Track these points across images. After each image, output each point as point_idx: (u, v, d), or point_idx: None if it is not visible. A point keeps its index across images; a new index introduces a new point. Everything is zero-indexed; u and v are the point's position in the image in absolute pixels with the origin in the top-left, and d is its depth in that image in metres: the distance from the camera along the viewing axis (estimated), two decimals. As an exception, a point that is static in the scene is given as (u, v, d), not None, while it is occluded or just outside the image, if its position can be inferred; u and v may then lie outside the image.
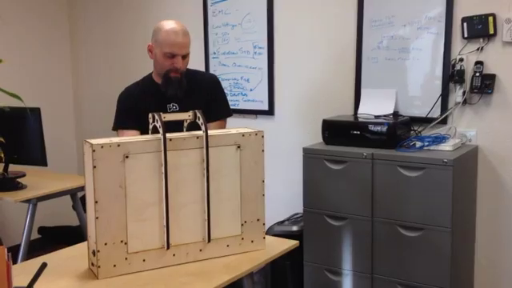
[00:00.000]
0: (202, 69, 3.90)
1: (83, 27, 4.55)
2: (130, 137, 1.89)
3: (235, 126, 2.08)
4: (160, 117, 1.84)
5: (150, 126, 1.89)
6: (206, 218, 1.91)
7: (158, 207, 1.84)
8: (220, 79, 2.81)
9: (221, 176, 1.92)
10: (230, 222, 1.97)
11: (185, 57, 2.50)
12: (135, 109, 2.51)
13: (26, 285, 1.40)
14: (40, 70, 4.38)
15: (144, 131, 2.07)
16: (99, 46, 4.46)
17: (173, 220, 1.86)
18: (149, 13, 4.15)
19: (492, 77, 2.88)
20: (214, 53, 3.85)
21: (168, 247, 1.86)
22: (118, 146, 1.75)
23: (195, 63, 3.91)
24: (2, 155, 1.61)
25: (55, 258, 1.93)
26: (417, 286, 2.71)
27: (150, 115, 1.89)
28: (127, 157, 1.77)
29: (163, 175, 1.82)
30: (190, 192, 1.89)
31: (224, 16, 3.78)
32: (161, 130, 1.81)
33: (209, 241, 1.92)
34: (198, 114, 1.91)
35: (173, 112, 2.51)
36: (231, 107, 2.78)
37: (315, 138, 3.11)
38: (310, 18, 3.45)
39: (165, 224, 1.84)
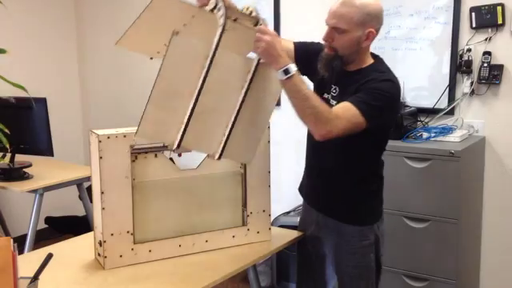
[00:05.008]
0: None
1: (90, 17, 4.54)
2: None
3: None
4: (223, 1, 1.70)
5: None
6: (227, 132, 1.73)
7: (184, 99, 1.65)
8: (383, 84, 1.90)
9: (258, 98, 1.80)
10: (244, 150, 1.81)
11: (339, 32, 1.89)
12: (314, 56, 1.99)
13: (32, 275, 1.41)
14: (46, 61, 4.37)
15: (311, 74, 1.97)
16: (106, 36, 4.45)
17: (194, 120, 1.66)
18: (154, 2, 4.13)
19: (500, 67, 2.86)
20: (220, 43, 3.84)
21: (178, 146, 1.67)
22: (125, 136, 1.75)
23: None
24: (8, 146, 1.61)
25: (61, 248, 1.94)
26: (423, 277, 2.70)
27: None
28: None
29: (205, 70, 1.65)
30: (221, 98, 1.72)
31: (230, 6, 3.76)
32: (221, 20, 1.66)
33: (219, 158, 1.74)
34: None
35: (331, 95, 1.98)
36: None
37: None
38: (317, 7, 3.42)
39: (185, 121, 1.65)
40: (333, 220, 2.00)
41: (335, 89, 1.98)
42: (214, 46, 1.64)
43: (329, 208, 2.02)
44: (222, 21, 1.66)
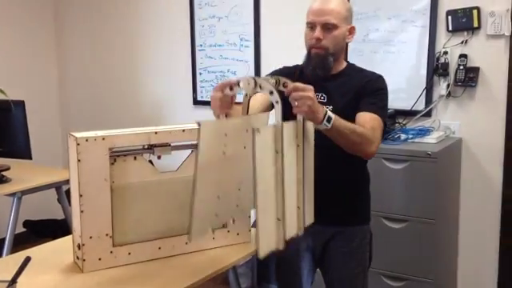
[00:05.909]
0: (189, 61, 3.89)
1: (68, 19, 4.51)
2: (121, 129, 1.80)
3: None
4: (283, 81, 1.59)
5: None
6: (301, 203, 1.64)
7: (274, 194, 1.55)
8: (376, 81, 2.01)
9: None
10: (311, 213, 1.71)
11: (329, 29, 1.93)
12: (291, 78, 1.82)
13: (10, 279, 1.40)
14: (25, 63, 4.34)
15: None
16: (85, 39, 4.43)
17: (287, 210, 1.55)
18: (136, 4, 4.13)
19: (476, 70, 2.91)
20: (201, 45, 3.84)
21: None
22: (103, 139, 1.75)
23: (181, 55, 3.91)
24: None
25: (40, 252, 1.92)
26: (401, 277, 2.73)
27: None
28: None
29: (280, 154, 1.52)
30: (291, 172, 1.58)
31: (210, 8, 3.77)
32: (275, 96, 1.53)
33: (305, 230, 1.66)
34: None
35: (320, 103, 1.75)
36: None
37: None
38: (297, 11, 3.43)
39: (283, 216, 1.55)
40: (333, 226, 2.00)
41: (322, 96, 1.97)
42: (280, 124, 1.51)
43: (330, 216, 1.96)
44: (276, 95, 1.53)
